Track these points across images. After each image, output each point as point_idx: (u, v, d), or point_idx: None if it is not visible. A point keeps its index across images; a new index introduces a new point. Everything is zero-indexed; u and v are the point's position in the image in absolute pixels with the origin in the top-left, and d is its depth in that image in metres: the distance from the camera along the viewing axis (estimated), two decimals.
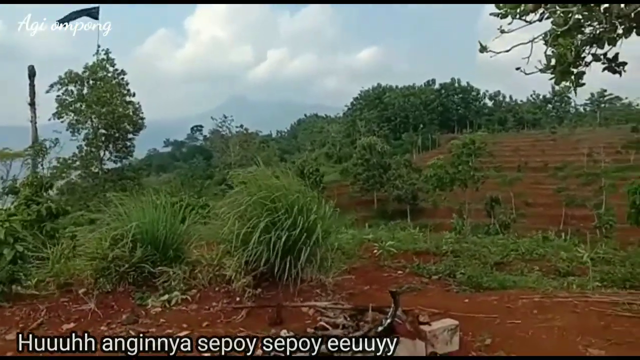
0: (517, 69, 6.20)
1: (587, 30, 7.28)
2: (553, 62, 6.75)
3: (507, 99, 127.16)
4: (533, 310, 5.48)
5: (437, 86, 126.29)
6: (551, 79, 6.75)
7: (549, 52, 6.26)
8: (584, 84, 7.72)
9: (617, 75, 8.03)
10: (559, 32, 6.30)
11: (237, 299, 6.14)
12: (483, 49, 5.91)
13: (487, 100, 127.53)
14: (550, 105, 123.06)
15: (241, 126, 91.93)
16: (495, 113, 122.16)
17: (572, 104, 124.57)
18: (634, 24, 7.70)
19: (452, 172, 38.09)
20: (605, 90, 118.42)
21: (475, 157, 39.63)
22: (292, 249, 6.05)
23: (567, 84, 7.52)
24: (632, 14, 7.63)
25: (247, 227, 6.01)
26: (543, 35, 6.20)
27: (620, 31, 7.73)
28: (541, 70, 6.58)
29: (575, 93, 7.59)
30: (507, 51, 5.99)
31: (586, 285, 7.71)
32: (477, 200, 69.57)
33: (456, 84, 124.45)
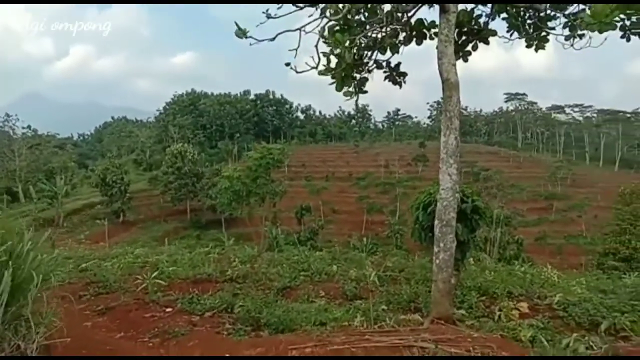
0: (287, 64, 5.12)
1: (370, 33, 6.66)
2: (333, 64, 5.90)
3: (318, 113, 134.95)
4: None
5: (252, 96, 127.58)
6: (331, 84, 5.89)
7: (324, 50, 5.28)
8: (366, 92, 7.11)
9: (397, 86, 7.68)
10: (337, 27, 5.45)
11: None
12: (242, 33, 4.66)
13: (299, 113, 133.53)
14: (354, 121, 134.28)
15: (29, 127, 79.14)
16: (306, 126, 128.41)
17: (373, 121, 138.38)
18: (414, 33, 7.40)
19: (250, 185, 36.33)
20: (399, 110, 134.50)
21: (273, 168, 38.76)
22: None
23: (350, 89, 6.81)
24: (412, 22, 7.32)
25: None
26: (320, 29, 5.21)
27: (401, 38, 7.35)
28: (320, 72, 5.65)
29: (357, 100, 6.91)
30: (272, 39, 4.86)
31: (371, 311, 7.03)
32: (290, 209, 71.37)
33: (271, 96, 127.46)
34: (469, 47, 7.73)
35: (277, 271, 9.81)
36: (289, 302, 7.91)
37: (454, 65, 5.67)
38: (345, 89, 6.54)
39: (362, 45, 6.68)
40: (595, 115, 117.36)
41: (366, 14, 6.29)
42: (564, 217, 72.19)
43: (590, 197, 72.26)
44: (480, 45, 7.64)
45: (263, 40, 4.82)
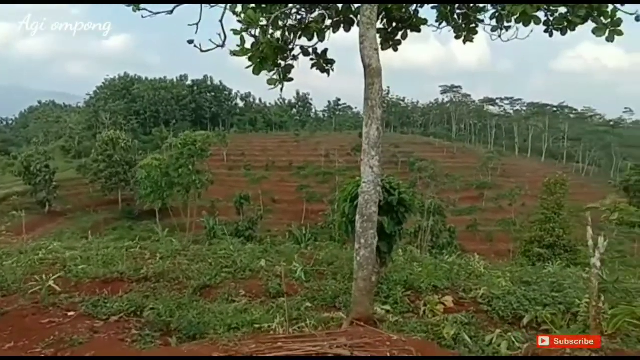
0: (190, 42, 4.56)
1: (291, 14, 6.21)
2: (249, 44, 5.38)
3: (258, 101, 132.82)
4: None
5: (189, 82, 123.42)
6: (248, 67, 5.38)
7: (233, 27, 4.75)
8: (292, 79, 6.69)
9: (325, 74, 7.33)
10: (251, 5, 4.94)
11: None
12: (136, 7, 4.07)
13: (239, 101, 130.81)
14: (295, 110, 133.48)
15: None
16: (246, 114, 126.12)
17: (313, 110, 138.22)
18: (342, 19, 7.02)
19: (173, 176, 34.25)
20: (340, 100, 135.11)
21: (199, 158, 36.83)
22: None
23: (274, 76, 6.33)
24: (341, 7, 6.94)
25: None
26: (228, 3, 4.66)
27: (328, 23, 6.97)
28: (233, 52, 5.12)
29: (282, 89, 6.46)
30: (170, 12, 4.30)
31: (287, 311, 6.60)
32: (229, 198, 69.98)
33: (209, 82, 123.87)
34: (398, 36, 7.47)
35: (199, 268, 9.21)
36: (207, 302, 7.38)
37: (377, 50, 5.33)
38: (267, 75, 6.07)
39: (285, 27, 6.22)
40: (524, 108, 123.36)
41: None
42: (495, 205, 75.59)
43: (519, 187, 76.00)
44: (419, 38, 7.40)
45: (159, 13, 4.25)
